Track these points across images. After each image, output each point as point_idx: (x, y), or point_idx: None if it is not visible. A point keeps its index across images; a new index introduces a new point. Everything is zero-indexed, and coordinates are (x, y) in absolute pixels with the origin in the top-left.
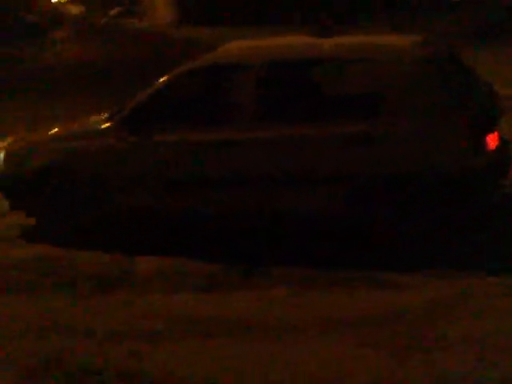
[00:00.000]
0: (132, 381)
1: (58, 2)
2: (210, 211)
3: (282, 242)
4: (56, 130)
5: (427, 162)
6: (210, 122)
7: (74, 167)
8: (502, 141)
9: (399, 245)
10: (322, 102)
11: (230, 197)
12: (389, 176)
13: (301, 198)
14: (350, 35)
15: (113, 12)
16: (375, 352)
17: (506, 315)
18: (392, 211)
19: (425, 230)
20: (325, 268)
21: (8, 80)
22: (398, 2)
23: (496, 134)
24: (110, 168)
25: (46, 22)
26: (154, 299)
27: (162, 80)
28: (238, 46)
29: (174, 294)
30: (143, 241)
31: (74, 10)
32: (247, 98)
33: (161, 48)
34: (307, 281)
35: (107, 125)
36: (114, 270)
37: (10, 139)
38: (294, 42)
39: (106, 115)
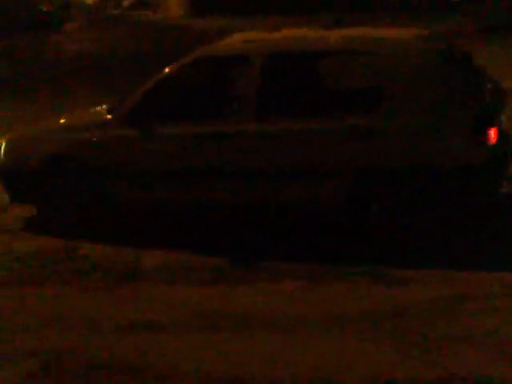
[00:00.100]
0: (136, 375)
1: None
2: (208, 204)
3: (286, 235)
4: (59, 120)
5: (427, 156)
6: (210, 115)
7: (77, 157)
8: (504, 136)
9: (400, 239)
10: (323, 95)
11: (227, 189)
12: (389, 170)
13: (302, 190)
14: (356, 27)
15: (126, 3)
16: (376, 347)
17: (507, 315)
18: (392, 205)
19: (425, 224)
20: (328, 262)
21: (37, 70)
22: (398, 2)
23: (497, 129)
24: (111, 160)
25: (59, 13)
26: (160, 293)
27: (162, 72)
28: (239, 38)
29: (180, 287)
30: (145, 233)
31: (88, 0)
32: (247, 91)
33: (175, 39)
34: (311, 275)
35: (108, 117)
36: (118, 263)
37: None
38: (296, 34)
39: (105, 107)
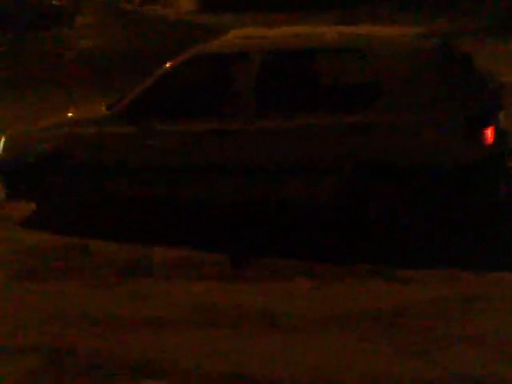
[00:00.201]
0: (136, 372)
1: None
2: (207, 200)
3: (285, 232)
4: (58, 117)
5: (424, 153)
6: (209, 112)
7: (76, 154)
8: (501, 135)
9: (400, 237)
10: (322, 91)
11: (226, 186)
12: (386, 166)
13: (300, 187)
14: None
15: None
16: (375, 346)
17: (507, 315)
18: (390, 202)
19: (425, 223)
20: (329, 260)
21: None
22: (397, 2)
23: (494, 128)
24: (110, 157)
25: (71, 8)
26: (160, 289)
27: (160, 69)
28: (237, 35)
29: (180, 283)
30: (145, 229)
31: None
32: (246, 88)
33: (184, 35)
34: (311, 273)
35: (107, 113)
36: (118, 260)
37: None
38: (294, 31)
39: (104, 104)
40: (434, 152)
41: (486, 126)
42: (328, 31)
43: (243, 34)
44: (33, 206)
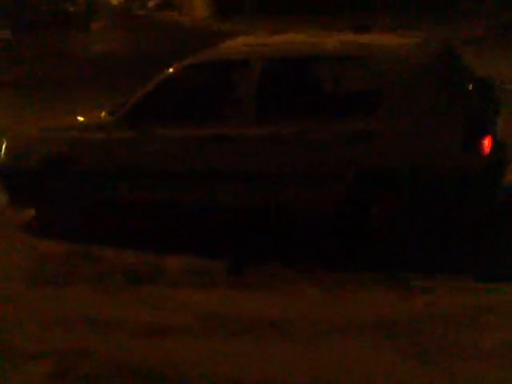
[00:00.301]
0: (140, 379)
1: None
2: (209, 206)
3: (287, 239)
4: (59, 121)
5: (424, 159)
6: (211, 117)
7: (78, 159)
8: (498, 143)
9: (400, 243)
10: (323, 98)
11: (227, 192)
12: (387, 173)
13: (302, 193)
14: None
15: (151, 4)
16: (377, 353)
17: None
18: (391, 208)
19: (424, 229)
20: (330, 268)
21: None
22: (398, 2)
23: (492, 135)
24: (112, 162)
25: (85, 13)
26: (164, 296)
27: (162, 74)
28: (240, 42)
29: (183, 290)
30: (146, 236)
31: (114, 0)
32: (247, 94)
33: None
34: (313, 280)
35: (109, 118)
36: (120, 266)
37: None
38: (296, 38)
39: (106, 109)
40: (434, 159)
41: (485, 134)
42: (329, 39)
43: (244, 41)
44: (33, 211)
